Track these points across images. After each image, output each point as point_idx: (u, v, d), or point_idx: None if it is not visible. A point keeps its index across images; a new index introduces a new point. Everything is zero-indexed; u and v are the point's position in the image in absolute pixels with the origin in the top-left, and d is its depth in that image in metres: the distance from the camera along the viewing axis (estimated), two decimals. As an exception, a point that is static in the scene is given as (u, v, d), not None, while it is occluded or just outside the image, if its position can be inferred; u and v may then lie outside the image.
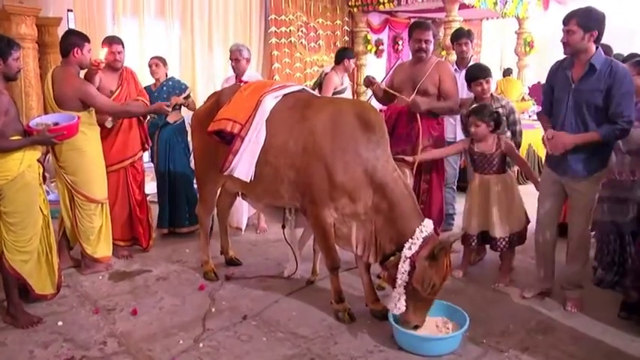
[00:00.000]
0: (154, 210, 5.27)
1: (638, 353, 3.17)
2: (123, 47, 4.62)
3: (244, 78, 5.11)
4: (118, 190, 4.69)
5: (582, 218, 3.63)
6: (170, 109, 4.68)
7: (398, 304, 3.19)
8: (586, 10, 3.33)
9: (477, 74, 4.23)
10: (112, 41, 4.62)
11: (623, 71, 3.32)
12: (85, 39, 4.15)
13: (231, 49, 5.32)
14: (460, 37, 5.41)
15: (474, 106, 4.14)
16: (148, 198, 5.04)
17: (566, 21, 3.36)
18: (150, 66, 5.27)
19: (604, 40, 3.44)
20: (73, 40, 4.11)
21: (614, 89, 3.25)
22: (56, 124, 3.61)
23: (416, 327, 3.20)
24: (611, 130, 3.30)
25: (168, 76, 5.33)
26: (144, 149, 4.88)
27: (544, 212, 3.78)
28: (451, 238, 3.25)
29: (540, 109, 3.94)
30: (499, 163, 4.02)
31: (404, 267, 3.19)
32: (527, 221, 4.14)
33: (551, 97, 3.62)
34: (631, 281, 3.53)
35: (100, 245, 4.32)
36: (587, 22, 3.29)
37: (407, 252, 3.20)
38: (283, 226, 4.14)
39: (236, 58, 5.18)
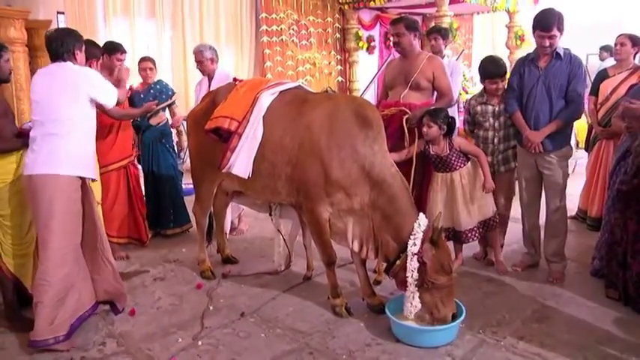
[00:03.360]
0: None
1: (631, 338, 3.21)
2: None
3: (216, 78, 5.04)
4: (119, 188, 4.70)
5: (557, 192, 4.04)
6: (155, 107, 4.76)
7: (414, 303, 3.20)
8: (559, 15, 3.81)
9: (494, 72, 4.17)
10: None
11: (579, 59, 3.95)
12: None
13: (193, 51, 5.22)
14: (431, 32, 5.74)
15: (432, 108, 4.11)
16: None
17: (550, 28, 3.78)
18: (143, 70, 5.19)
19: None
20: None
21: (573, 73, 3.86)
22: None
23: (453, 316, 3.21)
24: (568, 113, 3.90)
25: (156, 79, 5.29)
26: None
27: (525, 194, 4.20)
28: (435, 223, 3.23)
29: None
30: (457, 161, 4.05)
31: (412, 264, 3.20)
32: (495, 209, 4.18)
33: (520, 85, 4.02)
34: (606, 252, 3.82)
35: None
36: (562, 25, 3.81)
37: (413, 249, 3.21)
38: (270, 214, 4.19)
39: (199, 60, 5.08)
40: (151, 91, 5.17)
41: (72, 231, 3.28)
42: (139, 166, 5.18)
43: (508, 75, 4.25)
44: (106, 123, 4.57)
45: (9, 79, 3.61)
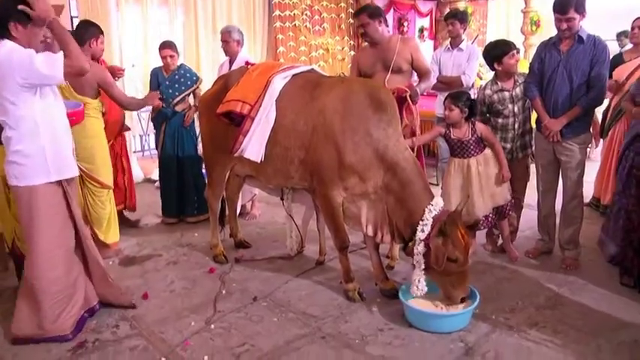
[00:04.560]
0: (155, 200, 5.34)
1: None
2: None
3: (237, 61, 5.06)
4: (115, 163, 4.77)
5: (574, 180, 3.98)
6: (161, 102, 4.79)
7: (419, 286, 3.21)
8: None
9: (505, 47, 4.11)
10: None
11: (604, 44, 3.82)
12: (101, 31, 4.26)
13: (221, 30, 5.27)
14: (449, 16, 5.63)
15: (453, 91, 4.11)
16: (155, 185, 5.06)
17: (565, 10, 3.68)
18: (164, 58, 5.13)
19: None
20: (92, 30, 4.19)
21: (596, 57, 3.75)
22: None
23: (462, 300, 3.21)
24: (589, 99, 3.79)
25: (179, 63, 5.25)
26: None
27: (542, 180, 4.17)
28: (459, 207, 3.23)
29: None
30: (476, 146, 4.02)
31: (418, 249, 3.20)
32: (512, 196, 4.16)
33: (541, 69, 3.95)
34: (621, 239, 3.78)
35: (111, 231, 4.36)
36: (581, 7, 3.70)
37: (420, 234, 3.20)
38: (282, 199, 4.19)
39: (225, 39, 5.12)
40: (176, 76, 5.16)
41: (58, 235, 3.12)
42: (153, 152, 5.19)
43: (523, 63, 4.20)
44: (115, 118, 4.60)
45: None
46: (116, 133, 4.83)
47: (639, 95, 3.88)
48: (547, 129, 3.87)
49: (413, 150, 3.66)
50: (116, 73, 4.79)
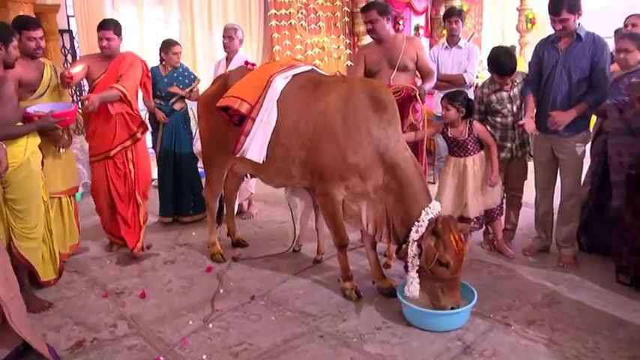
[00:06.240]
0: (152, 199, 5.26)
1: (642, 323, 3.21)
2: (114, 33, 4.27)
3: (235, 59, 5.08)
4: (103, 183, 4.40)
5: (572, 178, 3.98)
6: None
7: (411, 288, 3.19)
8: None
9: (506, 69, 4.03)
10: (100, 27, 4.32)
11: (603, 41, 3.80)
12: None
13: (226, 26, 5.29)
14: (450, 15, 5.57)
15: (450, 90, 4.13)
16: (152, 183, 4.98)
17: (558, 11, 3.67)
18: (175, 54, 5.16)
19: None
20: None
21: (597, 56, 3.72)
22: (51, 112, 3.60)
23: (452, 308, 3.16)
24: (595, 97, 3.76)
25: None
26: (142, 133, 4.43)
27: (541, 178, 4.16)
28: (455, 214, 3.25)
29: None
30: (473, 146, 4.03)
31: (413, 250, 3.20)
32: (503, 199, 4.21)
33: (540, 67, 3.97)
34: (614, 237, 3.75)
35: None
36: (575, 6, 3.67)
37: (414, 235, 3.21)
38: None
39: (229, 35, 5.14)
40: (174, 74, 5.18)
41: None
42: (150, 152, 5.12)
43: (520, 61, 4.19)
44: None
45: (14, 65, 3.48)
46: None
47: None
48: (554, 120, 3.73)
49: (415, 147, 3.67)
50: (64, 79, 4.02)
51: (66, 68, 4.13)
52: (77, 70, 4.11)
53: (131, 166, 4.36)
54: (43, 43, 3.91)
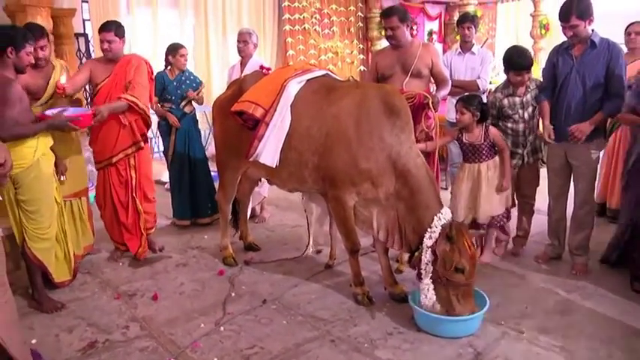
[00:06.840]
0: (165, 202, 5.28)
1: (658, 333, 3.17)
2: (116, 35, 4.14)
3: (249, 64, 5.11)
4: (106, 189, 4.36)
5: (586, 185, 3.96)
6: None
7: (428, 295, 3.18)
8: (577, 2, 3.62)
9: (520, 64, 4.05)
10: (101, 29, 4.19)
11: (618, 47, 3.77)
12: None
13: (241, 31, 5.32)
14: (464, 20, 5.53)
15: (465, 94, 4.12)
16: (165, 186, 5.00)
17: (567, 18, 3.65)
18: (183, 56, 5.19)
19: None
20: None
21: (612, 63, 3.69)
22: (63, 110, 3.65)
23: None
24: (613, 106, 3.73)
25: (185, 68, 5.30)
26: (143, 141, 4.32)
27: (554, 185, 4.12)
28: (465, 220, 3.23)
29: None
30: (487, 151, 4.02)
31: (426, 257, 3.19)
32: (512, 205, 4.19)
33: (554, 74, 3.93)
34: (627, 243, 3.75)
35: None
36: (585, 13, 3.63)
37: (428, 242, 3.20)
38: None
39: (244, 40, 5.17)
40: (182, 77, 5.22)
41: None
42: (156, 156, 5.14)
43: (535, 67, 4.17)
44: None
45: (25, 71, 3.48)
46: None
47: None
48: (575, 133, 3.72)
49: (427, 155, 3.66)
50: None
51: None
52: (63, 80, 3.95)
53: (133, 173, 4.30)
54: (43, 53, 3.87)
